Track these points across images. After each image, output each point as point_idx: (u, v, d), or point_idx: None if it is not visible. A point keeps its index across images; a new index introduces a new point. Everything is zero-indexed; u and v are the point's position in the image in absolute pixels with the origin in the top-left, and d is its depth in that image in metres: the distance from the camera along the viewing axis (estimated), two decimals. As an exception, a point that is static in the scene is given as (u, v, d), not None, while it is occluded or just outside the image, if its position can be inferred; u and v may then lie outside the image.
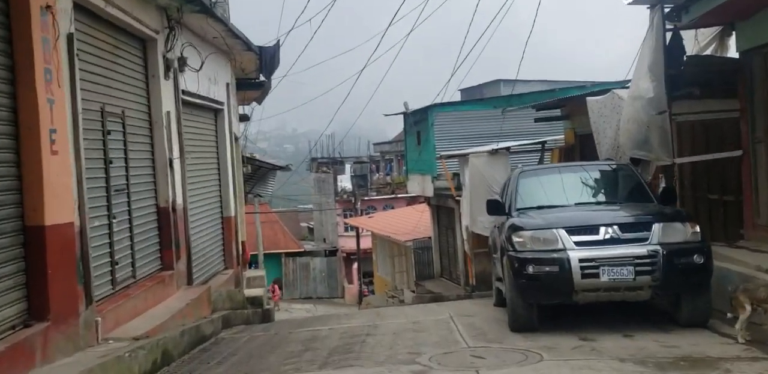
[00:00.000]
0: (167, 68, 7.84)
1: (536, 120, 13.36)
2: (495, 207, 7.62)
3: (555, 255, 6.20)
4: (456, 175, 17.09)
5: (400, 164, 37.52)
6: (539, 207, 7.30)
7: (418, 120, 19.01)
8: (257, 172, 17.33)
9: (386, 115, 19.95)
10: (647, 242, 6.11)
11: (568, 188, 7.54)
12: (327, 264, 35.54)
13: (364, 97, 15.06)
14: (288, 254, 35.38)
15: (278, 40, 11.34)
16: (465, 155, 14.31)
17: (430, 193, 18.30)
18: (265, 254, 36.02)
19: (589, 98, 9.56)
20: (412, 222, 23.51)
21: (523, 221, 6.73)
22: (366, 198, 36.91)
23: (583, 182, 7.61)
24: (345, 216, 35.33)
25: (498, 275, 8.65)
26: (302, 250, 35.92)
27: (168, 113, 7.79)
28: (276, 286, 22.96)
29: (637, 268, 5.99)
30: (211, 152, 10.40)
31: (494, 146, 13.64)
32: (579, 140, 13.00)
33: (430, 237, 20.80)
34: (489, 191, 13.46)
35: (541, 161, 14.04)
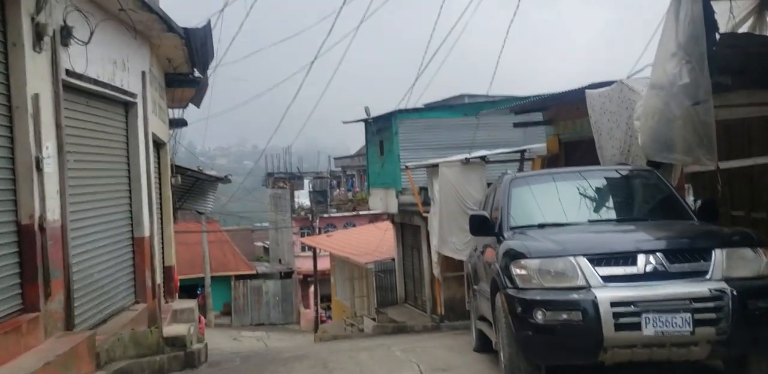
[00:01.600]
0: (38, 37, 5.73)
1: (515, 125, 11.62)
2: (480, 225, 5.69)
3: (575, 296, 4.30)
4: (423, 189, 15.22)
5: (363, 180, 35.57)
6: (540, 226, 5.41)
7: (380, 128, 17.15)
8: (195, 185, 15.12)
9: (346, 122, 18.06)
10: (707, 277, 4.27)
11: (576, 199, 5.68)
12: (281, 287, 33.08)
13: (325, 109, 13.17)
14: (238, 277, 32.82)
15: (208, 21, 9.30)
16: (434, 166, 12.45)
17: (394, 209, 16.37)
18: (212, 278, 33.52)
19: (589, 91, 7.79)
20: (373, 242, 21.48)
21: (525, 244, 4.81)
22: (325, 215, 34.74)
23: (595, 193, 5.75)
24: (302, 235, 33.04)
25: (481, 314, 6.69)
26: (254, 272, 33.39)
27: (36, 96, 5.66)
28: (201, 316, 20.52)
29: (696, 316, 4.12)
30: (118, 155, 8.24)
31: (467, 155, 11.81)
32: (564, 148, 11.29)
33: (393, 259, 18.82)
34: (462, 206, 11.60)
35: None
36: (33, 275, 5.58)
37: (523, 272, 4.55)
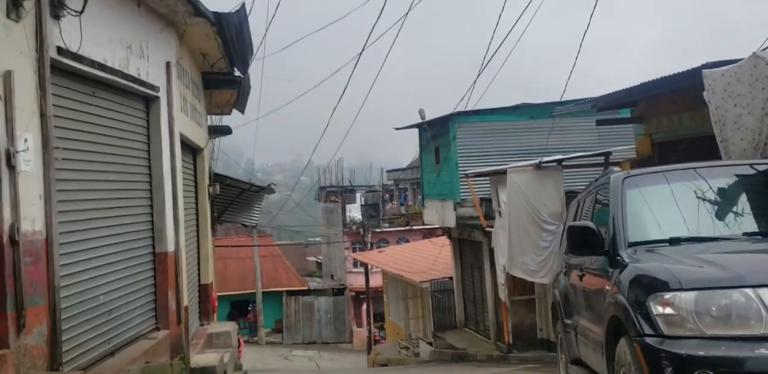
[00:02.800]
0: (15, 2, 4.59)
1: (599, 123, 9.93)
2: (585, 239, 4.15)
3: (765, 351, 2.69)
4: (485, 201, 13.63)
5: (416, 193, 34.12)
6: (673, 241, 3.82)
7: (436, 134, 15.71)
8: (240, 196, 14.03)
9: (398, 128, 16.70)
10: None
11: (723, 205, 4.05)
12: (333, 304, 31.80)
13: (375, 124, 11.82)
14: (290, 293, 31.75)
15: (242, 4, 8.12)
16: (500, 172, 10.89)
17: (451, 223, 14.82)
18: (264, 293, 32.57)
19: (707, 71, 6.13)
20: (429, 259, 19.92)
21: (668, 269, 3.24)
22: (378, 230, 33.38)
23: (750, 196, 4.10)
24: (354, 250, 31.75)
25: (576, 358, 5.10)
26: (306, 288, 32.26)
27: (9, 73, 4.51)
28: (240, 339, 19.30)
29: None
30: (136, 156, 7.08)
31: (540, 159, 10.21)
32: (657, 149, 9.54)
33: (451, 277, 17.21)
34: (534, 219, 9.97)
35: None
36: (0, 302, 4.37)
37: (671, 311, 2.99)
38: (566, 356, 5.53)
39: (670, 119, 9.19)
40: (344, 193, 37.63)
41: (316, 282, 35.61)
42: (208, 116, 13.82)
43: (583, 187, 6.62)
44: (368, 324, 26.34)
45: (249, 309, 30.71)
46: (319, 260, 43.44)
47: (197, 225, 10.79)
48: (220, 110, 14.04)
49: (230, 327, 10.76)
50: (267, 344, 30.14)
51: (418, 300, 20.15)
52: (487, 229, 12.94)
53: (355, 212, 34.49)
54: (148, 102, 7.37)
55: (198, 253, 10.73)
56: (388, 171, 40.87)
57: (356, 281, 31.49)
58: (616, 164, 10.46)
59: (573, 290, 5.10)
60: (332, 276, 37.49)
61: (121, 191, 6.65)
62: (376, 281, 27.43)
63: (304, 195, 34.15)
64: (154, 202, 7.43)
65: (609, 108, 9.95)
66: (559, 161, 10.26)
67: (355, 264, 31.97)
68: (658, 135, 9.45)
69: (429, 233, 32.73)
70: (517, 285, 12.60)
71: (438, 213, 15.75)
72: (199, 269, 10.69)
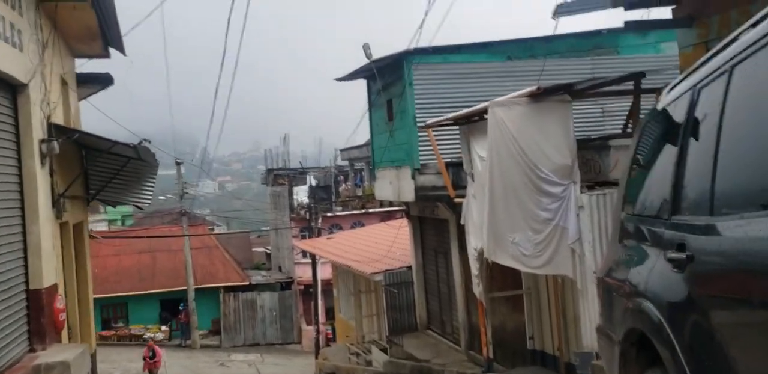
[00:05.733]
0: None
1: (627, 26, 6.43)
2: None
3: None
4: (453, 165, 10.19)
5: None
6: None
7: (388, 83, 12.10)
8: (125, 168, 10.15)
9: (340, 79, 12.99)
10: None
11: None
12: (279, 301, 28.08)
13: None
14: (229, 289, 27.85)
15: None
16: (474, 117, 7.39)
17: (409, 196, 11.29)
18: (198, 290, 28.58)
19: None
20: (384, 245, 16.43)
21: None
22: (329, 215, 29.71)
23: None
24: (303, 238, 27.99)
25: None
26: (247, 283, 28.40)
27: None
28: (156, 348, 15.52)
29: None
30: None
31: (538, 86, 6.71)
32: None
33: (409, 267, 13.74)
34: (530, 177, 6.51)
35: (634, 119, 7.21)
36: None
37: None
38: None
39: (744, 14, 5.80)
40: (293, 175, 33.77)
41: (261, 275, 31.74)
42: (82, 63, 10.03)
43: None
44: (316, 323, 22.75)
45: (180, 308, 26.71)
46: (268, 251, 39.54)
47: (21, 202, 7.00)
48: (89, 48, 10.20)
49: (76, 352, 6.97)
50: (202, 348, 26.26)
51: (372, 295, 16.68)
52: (457, 200, 9.47)
53: (304, 195, 30.70)
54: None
55: (24, 244, 6.94)
56: (341, 150, 36.98)
57: (305, 273, 27.83)
58: (650, 91, 7.06)
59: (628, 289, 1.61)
60: (280, 268, 33.69)
61: None
62: (327, 273, 23.89)
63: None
64: None
65: (642, 5, 6.50)
66: (567, 88, 6.79)
67: (304, 254, 28.25)
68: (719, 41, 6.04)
69: (387, 217, 29.24)
70: (497, 276, 9.19)
71: (392, 185, 12.22)
72: (26, 267, 6.91)
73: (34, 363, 6.48)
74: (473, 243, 8.44)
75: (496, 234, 7.03)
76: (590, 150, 7.46)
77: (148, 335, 26.13)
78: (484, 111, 7.46)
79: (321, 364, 18.03)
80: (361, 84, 13.66)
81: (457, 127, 9.24)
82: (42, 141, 7.30)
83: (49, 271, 7.18)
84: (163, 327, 26.79)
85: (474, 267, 8.58)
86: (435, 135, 9.83)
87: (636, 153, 3.26)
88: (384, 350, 13.86)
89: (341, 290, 20.18)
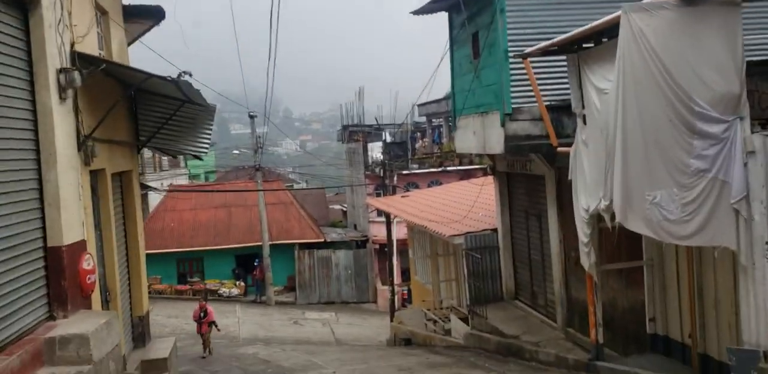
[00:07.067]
0: None
1: None
2: None
3: None
4: (551, 110, 8.37)
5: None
6: None
7: (473, 13, 10.19)
8: (178, 112, 8.99)
9: (415, 12, 11.16)
10: None
11: None
12: (354, 259, 27.22)
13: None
14: (304, 246, 27.22)
15: None
16: (595, 33, 5.53)
17: (497, 147, 9.53)
18: (273, 246, 28.14)
19: None
20: (465, 204, 14.83)
21: None
22: (405, 172, 28.24)
23: None
24: (378, 196, 26.77)
25: None
26: (322, 240, 27.65)
27: None
28: (209, 308, 14.42)
29: None
30: None
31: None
32: None
33: (495, 230, 12.10)
34: (678, 111, 4.63)
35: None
36: None
37: None
38: None
39: None
40: (369, 131, 32.37)
41: (336, 233, 30.97)
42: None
43: None
44: (391, 284, 21.67)
45: (255, 264, 26.38)
46: (344, 209, 38.81)
47: (36, 141, 5.90)
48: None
49: (98, 323, 5.90)
50: (277, 304, 25.93)
51: (450, 259, 15.22)
52: (561, 150, 7.66)
53: (379, 151, 29.29)
54: None
55: (40, 193, 5.87)
56: (419, 105, 35.10)
57: (380, 232, 26.72)
58: None
59: None
60: (355, 226, 32.82)
61: None
62: (403, 233, 22.65)
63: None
64: None
65: None
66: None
67: (379, 213, 27.10)
68: None
69: (467, 176, 27.49)
70: (607, 243, 7.43)
71: (476, 135, 10.49)
72: (43, 221, 5.86)
73: (48, 335, 5.46)
74: (583, 203, 6.69)
75: (627, 192, 5.26)
76: (755, 77, 5.47)
77: (223, 290, 26.06)
78: (608, 27, 5.56)
79: (396, 328, 16.95)
80: (441, 21, 11.81)
81: (564, 57, 7.34)
82: (60, 71, 6.11)
83: (71, 225, 6.10)
84: (239, 283, 26.61)
85: (583, 233, 6.85)
86: (533, 64, 7.96)
87: None
88: (464, 319, 12.45)
89: (417, 251, 18.86)
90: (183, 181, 40.22)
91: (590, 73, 6.48)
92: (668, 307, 7.25)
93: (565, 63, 8.76)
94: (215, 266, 27.14)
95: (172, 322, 19.98)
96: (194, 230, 27.64)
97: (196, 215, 28.52)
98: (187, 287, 26.00)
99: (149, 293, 25.74)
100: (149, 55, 11.21)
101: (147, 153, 34.07)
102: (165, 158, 38.12)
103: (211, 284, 26.35)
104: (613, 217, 5.78)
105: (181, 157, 38.56)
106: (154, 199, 31.19)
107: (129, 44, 10.47)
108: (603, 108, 5.98)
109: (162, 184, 33.90)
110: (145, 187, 27.20)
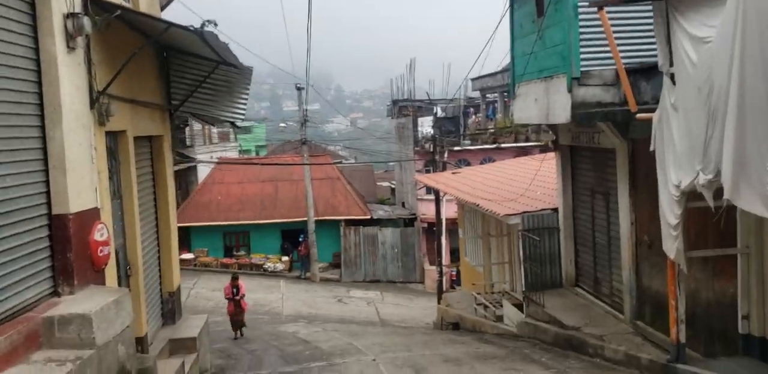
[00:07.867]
0: None
1: None
2: None
3: None
4: (629, 72, 7.22)
5: (507, 104, 27.22)
6: None
7: (541, -36, 8.99)
8: (212, 75, 8.25)
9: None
10: None
11: None
12: (401, 237, 26.47)
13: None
14: (350, 223, 26.61)
15: None
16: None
17: (563, 116, 8.41)
18: (319, 222, 27.64)
19: None
20: (522, 182, 13.73)
21: None
22: (457, 149, 27.12)
23: None
24: (427, 172, 25.80)
25: None
26: (368, 217, 26.97)
27: None
28: (240, 284, 13.46)
29: None
30: None
31: None
32: None
33: (555, 210, 11.01)
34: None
35: None
36: None
37: None
38: None
39: None
40: (419, 106, 31.28)
41: (384, 210, 30.24)
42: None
43: None
44: (439, 264, 20.80)
45: (300, 240, 25.95)
46: (392, 186, 38.03)
47: (40, 94, 5.23)
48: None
49: (105, 301, 5.25)
50: (322, 281, 25.51)
51: (504, 240, 14.19)
52: (640, 116, 6.52)
53: (429, 126, 28.21)
54: None
55: (44, 154, 5.21)
56: (472, 79, 33.71)
57: (429, 210, 25.84)
58: None
59: None
60: (403, 204, 32.02)
61: None
62: (452, 211, 21.69)
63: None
64: None
65: None
66: None
67: (428, 191, 26.15)
68: None
69: (522, 153, 26.17)
70: (692, 226, 6.31)
71: (538, 102, 9.37)
72: (47, 185, 5.21)
73: (46, 313, 4.83)
74: (673, 178, 5.59)
75: (742, 163, 4.17)
76: None
77: (268, 265, 25.78)
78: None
79: (444, 311, 16.14)
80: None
81: (644, 7, 6.16)
82: (68, 16, 5.37)
83: (80, 191, 5.43)
84: (284, 258, 26.27)
85: (672, 214, 5.76)
86: (601, 30, 6.79)
87: None
88: (518, 306, 11.49)
89: (467, 231, 17.88)
90: (233, 154, 40.17)
91: (684, 21, 5.33)
92: (767, 304, 6.12)
93: (642, 18, 7.60)
94: (261, 241, 26.89)
95: (217, 296, 19.71)
96: (241, 204, 27.40)
97: (243, 188, 28.27)
98: (233, 260, 25.83)
99: (195, 265, 25.72)
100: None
101: (197, 126, 33.99)
102: (215, 132, 38.05)
103: (256, 258, 26.12)
104: (717, 194, 4.70)
105: (231, 130, 38.48)
106: (203, 172, 31.11)
107: (164, 7, 9.76)
108: (703, 61, 4.85)
109: (212, 156, 33.81)
110: (184, 157, 27.00)
